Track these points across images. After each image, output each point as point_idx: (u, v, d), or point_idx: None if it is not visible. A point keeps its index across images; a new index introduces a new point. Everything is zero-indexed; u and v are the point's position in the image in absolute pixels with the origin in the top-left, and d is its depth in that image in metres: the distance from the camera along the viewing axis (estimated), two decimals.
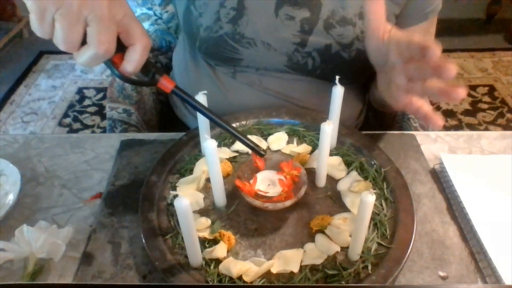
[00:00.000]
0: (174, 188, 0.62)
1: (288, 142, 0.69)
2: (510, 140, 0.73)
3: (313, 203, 0.60)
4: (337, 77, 0.58)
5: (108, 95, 0.90)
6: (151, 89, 0.98)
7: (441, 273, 0.52)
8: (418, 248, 0.55)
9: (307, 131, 0.71)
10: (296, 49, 0.72)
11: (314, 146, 0.68)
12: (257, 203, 0.56)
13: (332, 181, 0.63)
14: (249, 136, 0.69)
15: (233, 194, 0.61)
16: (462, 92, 0.46)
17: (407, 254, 0.52)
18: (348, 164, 0.65)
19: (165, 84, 0.48)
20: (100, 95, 2.30)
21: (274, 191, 0.59)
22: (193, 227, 0.48)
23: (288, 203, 0.56)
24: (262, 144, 0.68)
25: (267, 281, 0.50)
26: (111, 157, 0.69)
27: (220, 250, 0.52)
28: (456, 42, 2.54)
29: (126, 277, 0.52)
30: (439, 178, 0.65)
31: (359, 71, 0.77)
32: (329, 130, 0.55)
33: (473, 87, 2.33)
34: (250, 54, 0.73)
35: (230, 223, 0.57)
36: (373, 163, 0.65)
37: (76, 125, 2.12)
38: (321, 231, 0.55)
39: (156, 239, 0.54)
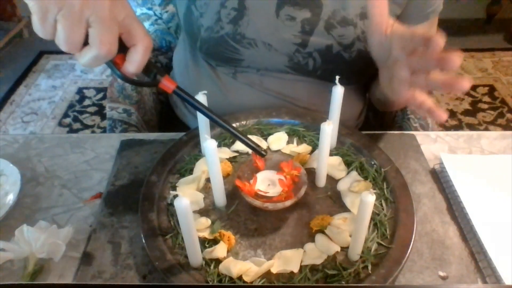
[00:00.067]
0: (174, 188, 0.62)
1: (288, 142, 0.69)
2: (510, 140, 0.73)
3: (313, 203, 0.60)
4: (337, 77, 0.58)
5: (108, 95, 0.90)
6: (151, 89, 0.98)
7: (441, 273, 0.52)
8: (418, 248, 0.55)
9: (307, 131, 0.71)
10: (297, 49, 0.72)
11: (314, 146, 0.68)
12: (257, 203, 0.56)
13: (332, 181, 0.63)
14: (249, 136, 0.69)
15: (233, 194, 0.61)
16: (466, 83, 0.45)
17: (407, 254, 0.52)
18: (348, 164, 0.65)
19: (167, 84, 0.48)
20: (100, 95, 2.30)
21: (274, 191, 0.59)
22: (193, 227, 0.48)
23: (288, 203, 0.56)
24: (262, 144, 0.68)
25: (267, 281, 0.50)
26: (111, 157, 0.69)
27: (220, 250, 0.52)
28: (456, 42, 2.54)
29: (126, 277, 0.52)
30: (439, 178, 0.65)
31: (359, 72, 0.77)
32: (329, 130, 0.55)
33: (473, 87, 2.33)
34: (251, 54, 0.73)
35: (230, 223, 0.57)
36: (373, 163, 0.65)
37: (76, 125, 2.12)
38: (321, 231, 0.55)
39: (156, 239, 0.54)
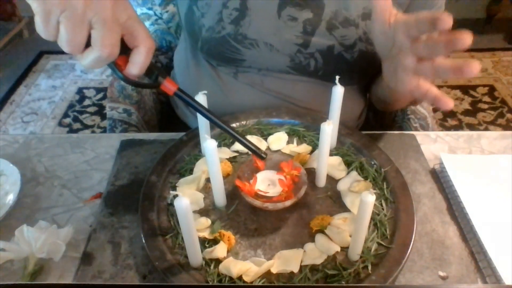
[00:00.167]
0: (174, 188, 0.62)
1: (288, 142, 0.69)
2: (510, 140, 0.73)
3: (313, 203, 0.60)
4: (337, 77, 0.58)
5: (108, 95, 0.90)
6: (153, 89, 0.98)
7: (441, 273, 0.52)
8: (418, 248, 0.55)
9: (307, 131, 0.71)
10: (299, 50, 0.72)
11: (314, 146, 0.68)
12: (257, 203, 0.56)
13: (332, 181, 0.63)
14: (249, 137, 0.69)
15: (233, 194, 0.61)
16: (476, 66, 0.44)
17: (407, 254, 0.52)
18: (348, 164, 0.65)
19: (168, 86, 0.48)
20: (100, 95, 2.30)
21: (274, 191, 0.59)
22: (193, 227, 0.48)
23: (288, 203, 0.56)
24: (262, 144, 0.68)
25: (267, 281, 0.50)
26: (111, 157, 0.69)
27: (220, 250, 0.52)
28: None
29: (126, 277, 0.52)
30: (439, 178, 0.65)
31: (361, 72, 0.77)
32: (329, 130, 0.55)
33: (473, 87, 2.33)
34: (252, 55, 0.73)
35: (230, 223, 0.57)
36: (373, 163, 0.65)
37: (76, 125, 2.12)
38: (321, 231, 0.55)
39: (156, 239, 0.54)
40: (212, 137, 0.53)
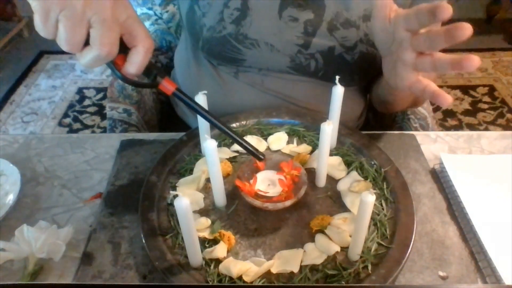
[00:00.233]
0: (174, 188, 0.62)
1: (288, 142, 0.69)
2: (510, 140, 0.73)
3: (313, 203, 0.60)
4: (337, 77, 0.58)
5: (108, 95, 0.90)
6: (151, 89, 0.98)
7: (441, 273, 0.52)
8: (418, 248, 0.55)
9: (307, 131, 0.71)
10: (299, 50, 0.72)
11: (314, 146, 0.68)
12: (257, 203, 0.56)
13: (332, 181, 0.63)
14: (249, 136, 0.69)
15: (233, 194, 0.61)
16: (475, 60, 0.43)
17: (407, 254, 0.52)
18: (348, 164, 0.65)
19: (167, 86, 0.48)
20: (100, 95, 2.30)
21: (274, 191, 0.59)
22: (193, 227, 0.48)
23: (288, 203, 0.56)
24: (262, 144, 0.68)
25: (267, 281, 0.50)
26: (111, 157, 0.69)
27: (220, 250, 0.52)
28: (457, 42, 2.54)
29: (126, 277, 0.52)
30: (439, 178, 0.65)
31: (361, 74, 0.77)
32: (329, 130, 0.55)
33: (473, 87, 2.33)
34: (253, 54, 0.73)
35: (230, 223, 0.57)
36: (373, 163, 0.65)
37: (76, 125, 2.12)
38: (321, 231, 0.55)
39: (156, 239, 0.54)
40: (212, 137, 0.53)
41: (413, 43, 0.49)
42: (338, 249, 0.53)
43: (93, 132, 2.06)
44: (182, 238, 0.51)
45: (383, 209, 0.58)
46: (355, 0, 0.69)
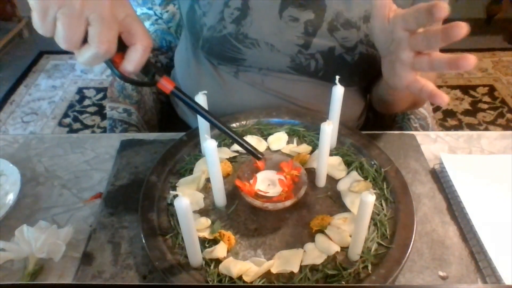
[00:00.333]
0: (174, 188, 0.62)
1: (288, 142, 0.69)
2: (510, 140, 0.73)
3: (313, 203, 0.60)
4: (337, 77, 0.58)
5: (108, 95, 0.90)
6: (151, 88, 0.98)
7: (441, 273, 0.52)
8: (418, 248, 0.55)
9: (307, 131, 0.71)
10: (300, 50, 0.72)
11: (314, 146, 0.68)
12: (257, 203, 0.56)
13: (332, 181, 0.63)
14: (249, 136, 0.69)
15: (233, 194, 0.61)
16: (472, 59, 0.44)
17: (407, 254, 0.52)
18: (348, 164, 0.65)
19: (165, 84, 0.48)
20: (100, 95, 2.30)
21: (274, 191, 0.59)
22: (193, 227, 0.48)
23: (288, 203, 0.56)
24: (262, 144, 0.68)
25: (267, 281, 0.50)
26: (111, 157, 0.69)
27: (220, 250, 0.52)
28: (456, 42, 2.54)
29: (126, 277, 0.52)
30: (439, 178, 0.65)
31: (361, 74, 0.77)
32: (329, 130, 0.55)
33: (473, 87, 2.33)
34: (253, 54, 0.73)
35: (230, 223, 0.57)
36: (373, 163, 0.65)
37: (76, 125, 2.12)
38: (321, 231, 0.55)
39: (156, 239, 0.54)
40: (212, 137, 0.53)
41: (411, 42, 0.50)
42: (338, 249, 0.53)
43: (93, 132, 2.06)
44: (182, 238, 0.51)
45: (383, 209, 0.58)
46: (356, 0, 0.69)
